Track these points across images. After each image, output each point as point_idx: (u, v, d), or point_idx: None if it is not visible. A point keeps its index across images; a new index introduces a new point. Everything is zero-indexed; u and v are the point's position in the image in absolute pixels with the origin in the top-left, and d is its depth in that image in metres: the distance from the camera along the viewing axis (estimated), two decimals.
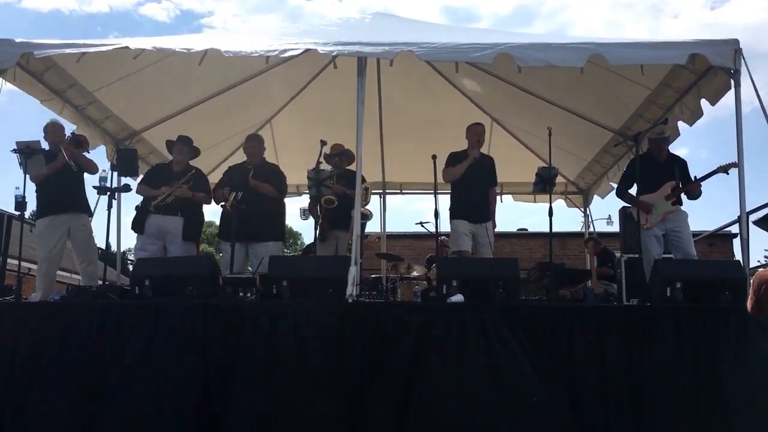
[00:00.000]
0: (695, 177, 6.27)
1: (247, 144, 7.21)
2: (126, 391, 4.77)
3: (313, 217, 7.32)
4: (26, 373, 4.91)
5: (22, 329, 5.04)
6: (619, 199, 6.71)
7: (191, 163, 7.06)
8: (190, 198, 6.74)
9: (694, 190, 6.23)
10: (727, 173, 5.95)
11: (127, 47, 5.66)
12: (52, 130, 6.61)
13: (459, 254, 6.73)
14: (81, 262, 6.67)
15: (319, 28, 7.28)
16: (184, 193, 6.70)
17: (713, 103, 6.00)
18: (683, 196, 6.30)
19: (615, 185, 9.09)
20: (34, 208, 6.66)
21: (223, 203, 6.83)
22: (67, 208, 6.47)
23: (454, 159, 6.94)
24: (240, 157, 7.65)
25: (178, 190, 6.68)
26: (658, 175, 6.31)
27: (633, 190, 6.48)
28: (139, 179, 7.02)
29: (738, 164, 5.58)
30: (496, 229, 7.15)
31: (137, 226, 6.76)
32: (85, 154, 6.70)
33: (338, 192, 6.73)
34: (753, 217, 5.67)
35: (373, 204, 9.80)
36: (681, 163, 6.42)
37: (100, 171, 6.41)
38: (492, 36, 6.58)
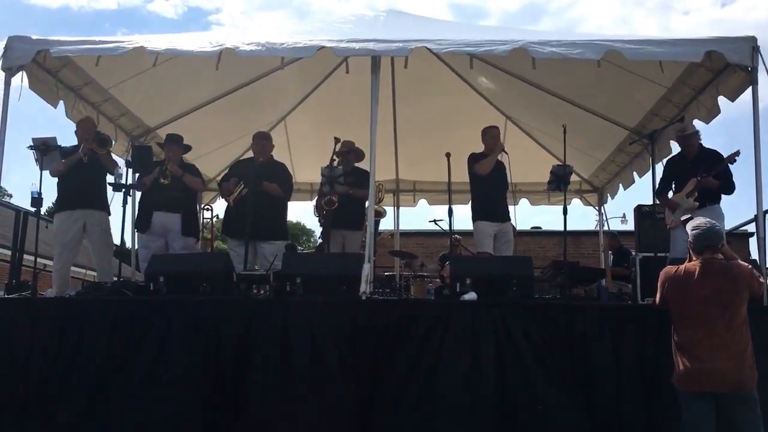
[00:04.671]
0: (699, 177, 6.09)
1: (254, 142, 7.21)
2: (140, 387, 4.80)
3: (319, 215, 7.32)
4: (42, 367, 4.96)
5: (38, 325, 5.09)
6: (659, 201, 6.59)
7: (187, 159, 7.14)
8: (180, 176, 6.76)
9: (705, 183, 6.05)
10: (732, 162, 5.92)
11: (142, 47, 5.68)
12: (83, 126, 6.67)
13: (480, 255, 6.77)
14: (97, 259, 6.75)
15: (333, 26, 7.28)
16: (175, 171, 6.73)
17: (733, 99, 5.91)
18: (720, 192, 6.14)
19: (623, 187, 9.11)
20: (51, 204, 6.72)
21: (227, 197, 6.88)
22: (83, 204, 6.51)
23: (477, 157, 7.04)
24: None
25: (170, 164, 6.72)
26: (688, 173, 6.21)
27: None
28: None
29: (738, 151, 5.65)
30: None
31: (140, 223, 6.84)
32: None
33: (340, 192, 6.73)
34: None
35: (386, 201, 9.81)
36: (711, 157, 6.20)
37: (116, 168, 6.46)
38: (506, 33, 6.56)
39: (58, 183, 6.57)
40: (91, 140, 6.50)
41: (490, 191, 7.00)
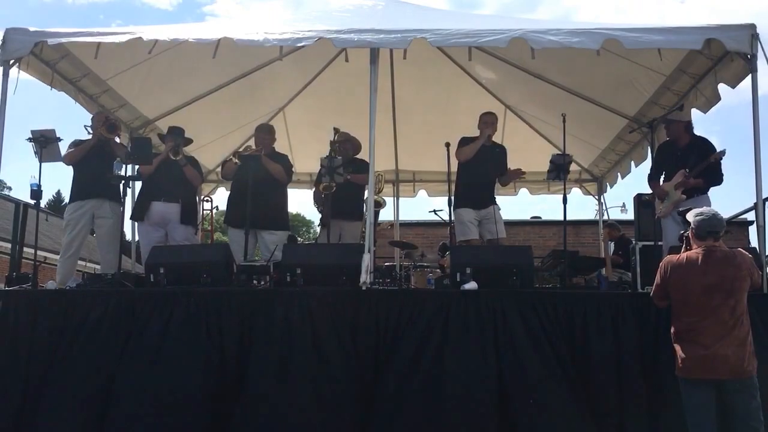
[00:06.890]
0: (687, 170, 6.00)
1: (256, 134, 7.24)
2: (141, 378, 4.81)
3: (318, 204, 7.32)
4: (43, 359, 4.97)
5: (38, 317, 5.10)
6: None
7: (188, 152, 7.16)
8: (183, 165, 6.78)
9: (688, 184, 5.96)
10: (717, 160, 5.89)
11: (140, 38, 5.66)
12: (96, 117, 6.76)
13: (467, 243, 6.73)
14: (102, 251, 6.77)
15: (331, 15, 7.25)
16: (180, 159, 6.77)
17: (734, 86, 5.87)
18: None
19: (621, 176, 9.10)
20: (51, 196, 6.74)
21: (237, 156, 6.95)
22: (95, 194, 6.55)
23: (466, 141, 6.92)
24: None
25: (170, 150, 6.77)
26: (678, 162, 6.16)
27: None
28: None
29: (724, 150, 5.69)
30: (510, 217, 7.13)
31: (137, 213, 6.84)
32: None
33: (340, 182, 6.71)
34: None
35: (386, 192, 9.81)
36: (700, 148, 6.13)
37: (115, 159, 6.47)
38: (505, 22, 6.53)
39: (73, 174, 6.65)
40: (100, 126, 6.55)
41: (472, 178, 6.84)
